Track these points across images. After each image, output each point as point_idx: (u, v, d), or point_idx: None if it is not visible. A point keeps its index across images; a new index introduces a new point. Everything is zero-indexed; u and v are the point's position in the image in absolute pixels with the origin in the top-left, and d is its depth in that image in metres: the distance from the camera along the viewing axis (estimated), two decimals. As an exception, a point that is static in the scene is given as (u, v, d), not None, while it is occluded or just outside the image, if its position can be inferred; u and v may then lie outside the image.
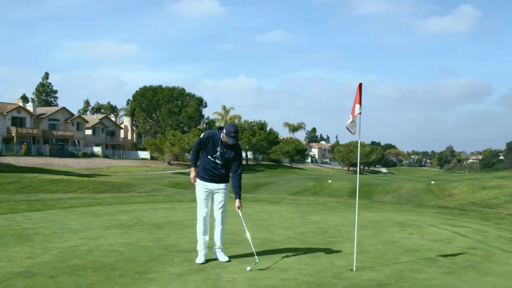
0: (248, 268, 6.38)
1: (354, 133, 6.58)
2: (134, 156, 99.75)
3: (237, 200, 7.06)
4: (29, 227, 9.63)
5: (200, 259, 6.81)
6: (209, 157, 6.92)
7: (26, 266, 6.30)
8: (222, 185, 7.05)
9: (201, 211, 6.98)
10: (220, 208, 7.05)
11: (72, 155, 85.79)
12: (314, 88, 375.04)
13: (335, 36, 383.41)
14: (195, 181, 7.07)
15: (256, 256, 6.70)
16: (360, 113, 6.36)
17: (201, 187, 7.01)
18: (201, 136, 7.00)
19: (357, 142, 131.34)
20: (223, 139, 6.84)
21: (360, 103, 6.36)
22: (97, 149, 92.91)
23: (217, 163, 6.91)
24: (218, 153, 6.88)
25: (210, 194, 7.04)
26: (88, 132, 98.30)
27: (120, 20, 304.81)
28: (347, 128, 6.56)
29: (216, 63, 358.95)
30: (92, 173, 63.58)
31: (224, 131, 6.81)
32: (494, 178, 74.78)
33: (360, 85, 6.43)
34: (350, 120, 6.46)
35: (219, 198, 7.05)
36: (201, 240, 6.93)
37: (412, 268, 6.54)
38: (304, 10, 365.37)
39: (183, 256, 7.18)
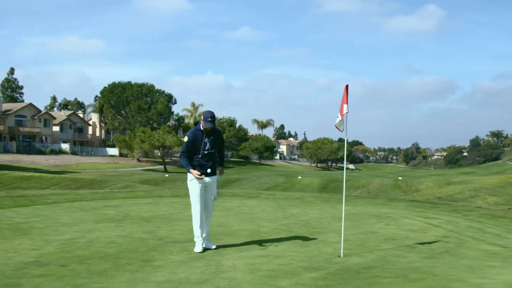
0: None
1: (342, 130, 7.15)
2: (103, 153, 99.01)
3: (220, 167, 7.77)
4: (22, 221, 9.92)
5: (198, 248, 7.28)
6: (203, 151, 7.41)
7: (34, 257, 6.67)
8: (214, 178, 7.62)
9: (198, 203, 7.45)
10: (212, 200, 7.61)
11: (40, 152, 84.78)
12: (282, 85, 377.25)
13: (302, 34, 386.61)
14: (200, 175, 7.35)
15: (219, 190, 7.88)
16: (347, 112, 6.92)
17: (196, 182, 7.46)
18: (186, 139, 7.42)
19: (325, 138, 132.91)
20: (202, 127, 7.37)
21: (347, 103, 6.91)
22: (65, 146, 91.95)
23: (211, 153, 7.44)
24: (208, 145, 7.41)
25: (204, 188, 7.52)
26: (56, 128, 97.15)
27: (86, 15, 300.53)
28: (335, 126, 7.11)
29: (184, 60, 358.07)
30: (61, 170, 62.99)
31: (202, 117, 7.38)
32: (459, 174, 76.86)
33: (347, 86, 6.99)
34: (339, 119, 7.01)
35: (211, 190, 7.59)
36: (198, 231, 7.40)
37: (394, 254, 7.15)
38: (272, 7, 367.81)
39: (179, 246, 7.63)
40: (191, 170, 7.35)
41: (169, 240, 8.15)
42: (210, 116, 7.34)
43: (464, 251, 7.49)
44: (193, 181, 7.48)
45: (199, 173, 7.33)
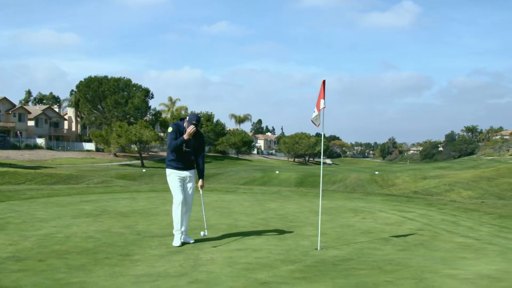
0: (202, 234, 7.58)
1: (318, 125, 7.24)
2: (79, 147, 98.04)
3: (200, 180, 7.70)
4: (-2, 217, 9.84)
5: (177, 242, 7.32)
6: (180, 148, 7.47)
7: (11, 252, 6.63)
8: (192, 172, 7.66)
9: (178, 196, 7.47)
10: (191, 194, 7.65)
11: (15, 147, 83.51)
12: (259, 80, 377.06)
13: (279, 29, 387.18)
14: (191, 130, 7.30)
15: (206, 230, 7.69)
16: (324, 107, 7.01)
17: (175, 175, 7.52)
18: (170, 130, 7.47)
19: (302, 133, 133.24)
20: (186, 127, 7.42)
21: (324, 98, 7.00)
22: (40, 141, 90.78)
23: (187, 151, 7.47)
24: (185, 143, 7.44)
25: (182, 181, 7.56)
26: (31, 123, 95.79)
27: (61, 8, 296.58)
28: (312, 121, 7.20)
29: (160, 54, 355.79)
30: (36, 165, 62.30)
31: (187, 118, 7.42)
32: (434, 168, 77.92)
33: (324, 82, 7.08)
34: (316, 114, 7.10)
35: (189, 184, 7.63)
36: (179, 224, 7.43)
37: (370, 247, 7.29)
38: (249, 2, 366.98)
39: (158, 240, 7.66)
40: (188, 130, 7.28)
41: (148, 234, 8.18)
42: (196, 120, 7.36)
43: (438, 243, 7.67)
44: (172, 175, 7.53)
45: (193, 128, 7.27)
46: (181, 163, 7.50)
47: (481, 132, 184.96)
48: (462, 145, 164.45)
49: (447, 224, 9.76)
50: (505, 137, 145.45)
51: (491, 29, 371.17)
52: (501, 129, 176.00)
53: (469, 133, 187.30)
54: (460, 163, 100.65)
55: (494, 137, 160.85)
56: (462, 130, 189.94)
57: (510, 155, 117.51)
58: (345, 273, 5.61)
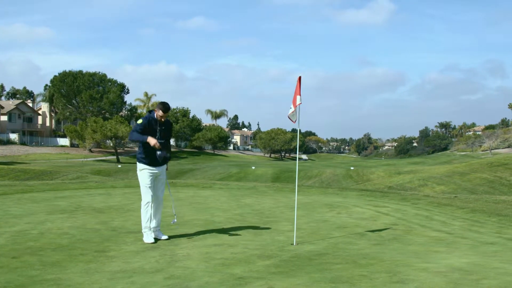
0: (172, 222, 7.94)
1: (295, 121, 7.29)
2: (53, 143, 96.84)
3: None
4: (-30, 213, 9.70)
5: (149, 238, 7.28)
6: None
7: (-16, 249, 6.56)
8: (164, 167, 7.63)
9: (148, 196, 7.43)
10: (162, 190, 7.63)
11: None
12: (235, 75, 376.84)
13: (256, 24, 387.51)
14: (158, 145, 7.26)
15: (175, 216, 8.06)
16: (300, 103, 7.06)
17: (147, 172, 7.44)
18: (140, 122, 7.40)
19: (278, 129, 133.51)
20: (157, 117, 7.39)
21: (300, 94, 7.05)
22: (14, 136, 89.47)
23: (161, 143, 7.41)
24: (158, 133, 7.42)
25: (154, 178, 7.51)
26: (4, 118, 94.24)
27: (34, 1, 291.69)
28: (288, 117, 7.25)
29: (136, 48, 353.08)
30: (9, 161, 61.45)
31: (157, 108, 7.40)
32: (409, 164, 78.80)
33: (300, 78, 7.12)
34: (292, 110, 7.14)
35: (161, 180, 7.60)
36: (148, 222, 7.38)
37: (345, 241, 7.37)
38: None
39: (133, 236, 7.63)
40: (149, 138, 7.17)
41: (123, 230, 8.15)
42: (165, 108, 7.37)
43: (412, 237, 7.79)
44: (144, 171, 7.46)
45: (157, 142, 7.19)
46: (153, 157, 7.41)
47: (454, 128, 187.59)
48: (436, 141, 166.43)
49: (421, 218, 9.90)
50: (477, 133, 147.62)
51: (464, 26, 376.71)
52: (473, 125, 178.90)
53: (443, 129, 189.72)
54: (433, 159, 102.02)
55: (467, 133, 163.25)
56: (436, 126, 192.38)
57: (483, 151, 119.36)
58: (320, 268, 5.67)
